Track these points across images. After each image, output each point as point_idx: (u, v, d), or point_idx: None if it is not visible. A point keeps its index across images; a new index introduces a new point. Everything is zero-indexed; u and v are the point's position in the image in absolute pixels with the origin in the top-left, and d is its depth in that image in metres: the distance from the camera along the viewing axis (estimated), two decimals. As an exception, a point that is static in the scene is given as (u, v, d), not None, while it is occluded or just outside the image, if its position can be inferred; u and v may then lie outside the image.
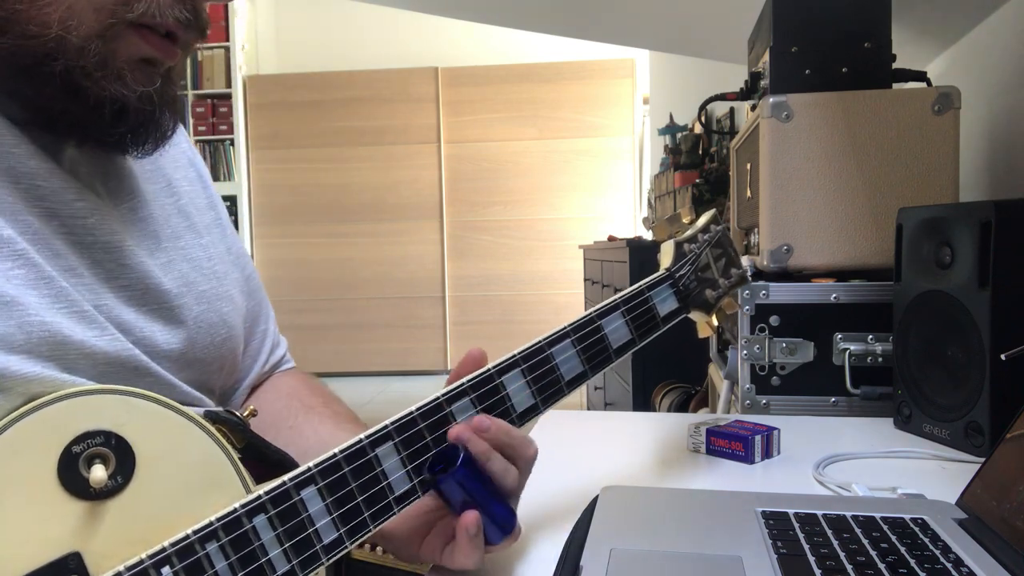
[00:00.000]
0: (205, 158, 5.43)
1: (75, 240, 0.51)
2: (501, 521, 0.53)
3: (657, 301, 0.67)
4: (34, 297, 0.46)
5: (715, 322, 0.73)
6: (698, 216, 0.76)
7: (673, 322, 0.68)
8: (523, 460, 0.55)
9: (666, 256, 0.71)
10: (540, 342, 0.59)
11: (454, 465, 0.51)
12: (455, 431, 0.52)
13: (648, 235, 3.32)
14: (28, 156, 0.50)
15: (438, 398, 0.54)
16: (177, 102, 0.56)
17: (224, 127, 5.44)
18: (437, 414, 0.53)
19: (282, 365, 0.79)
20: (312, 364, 5.45)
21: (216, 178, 5.47)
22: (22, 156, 0.49)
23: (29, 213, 0.49)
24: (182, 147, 0.68)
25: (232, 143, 5.46)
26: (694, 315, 0.71)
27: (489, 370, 0.56)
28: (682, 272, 0.70)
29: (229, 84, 5.38)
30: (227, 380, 0.66)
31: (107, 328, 0.51)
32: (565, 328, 0.61)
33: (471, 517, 0.50)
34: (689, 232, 0.73)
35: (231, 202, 5.44)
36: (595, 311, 0.63)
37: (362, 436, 0.50)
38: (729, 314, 0.74)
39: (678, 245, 0.71)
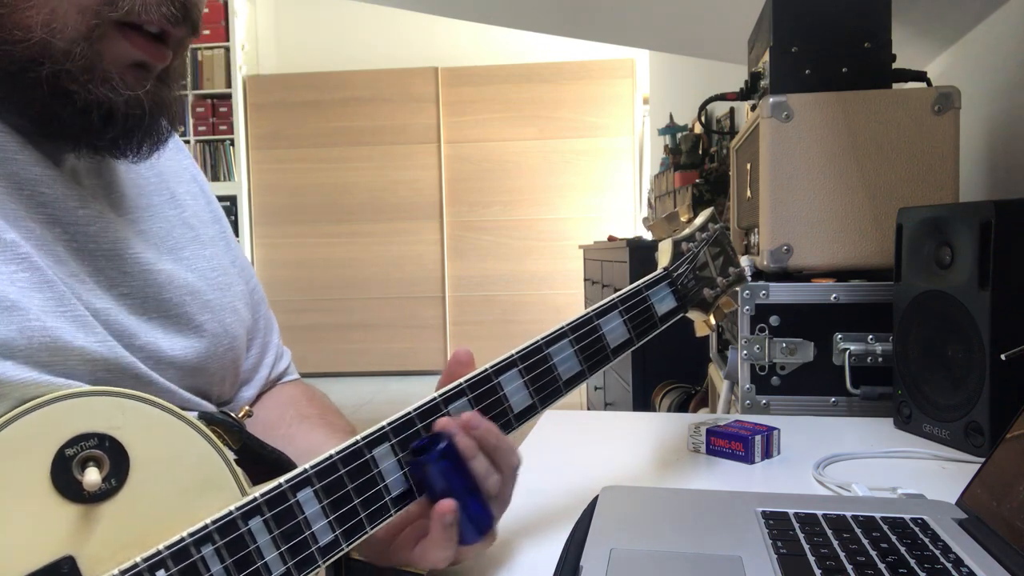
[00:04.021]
0: (205, 158, 5.45)
1: (77, 247, 0.51)
2: (477, 520, 0.52)
3: (655, 300, 0.67)
4: (37, 301, 0.46)
5: (713, 321, 0.72)
6: (696, 215, 0.75)
7: (671, 321, 0.68)
8: (507, 467, 0.54)
9: (664, 255, 0.70)
10: (538, 342, 0.59)
11: (431, 452, 0.50)
12: (442, 422, 0.52)
13: (648, 235, 3.32)
14: (31, 163, 0.49)
15: (435, 399, 0.53)
16: (174, 105, 0.55)
17: (224, 127, 5.44)
18: (435, 415, 0.53)
19: (286, 377, 0.79)
20: (312, 364, 5.45)
21: (216, 178, 5.47)
22: (25, 163, 0.49)
23: (31, 219, 0.48)
24: (184, 163, 0.68)
25: (232, 143, 5.46)
26: (692, 314, 0.71)
27: (487, 370, 0.56)
28: (680, 271, 0.69)
29: (229, 84, 5.38)
30: (227, 390, 0.66)
31: (107, 335, 0.50)
32: (563, 328, 0.60)
33: (448, 504, 0.50)
34: (687, 231, 0.73)
35: (231, 202, 5.44)
36: (593, 311, 0.62)
37: (359, 437, 0.49)
38: (727, 312, 0.74)
39: (676, 244, 0.71)
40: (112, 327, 0.51)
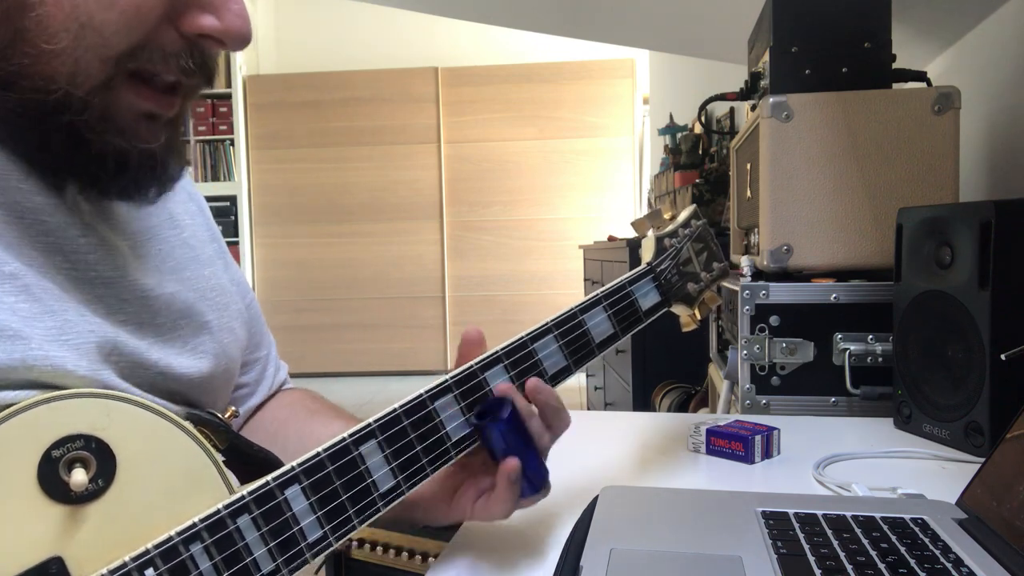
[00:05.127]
0: (205, 158, 5.45)
1: (77, 276, 0.51)
2: (534, 476, 0.56)
3: (639, 295, 0.68)
4: (39, 330, 0.46)
5: (698, 315, 0.73)
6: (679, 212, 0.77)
7: (655, 316, 0.69)
8: (559, 426, 0.58)
9: (647, 251, 0.72)
10: (523, 338, 0.60)
11: (497, 416, 0.55)
12: (503, 387, 0.57)
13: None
14: (34, 192, 0.49)
15: (421, 395, 0.54)
16: (183, 148, 0.56)
17: (224, 127, 5.44)
18: (420, 411, 0.54)
19: (284, 387, 0.81)
20: (312, 364, 5.45)
21: (216, 178, 5.47)
22: (28, 192, 0.49)
23: (33, 248, 0.49)
24: (181, 183, 0.68)
25: (232, 143, 5.45)
26: (677, 309, 0.72)
27: (472, 367, 0.57)
28: (663, 266, 0.70)
29: (229, 84, 5.38)
30: (220, 409, 0.67)
31: (109, 361, 0.51)
32: (547, 324, 0.61)
33: (513, 462, 0.54)
34: (670, 227, 0.74)
35: (231, 202, 5.44)
36: (577, 306, 0.63)
37: (345, 435, 0.50)
38: (712, 307, 0.75)
39: (659, 240, 0.72)
40: (113, 353, 0.51)
